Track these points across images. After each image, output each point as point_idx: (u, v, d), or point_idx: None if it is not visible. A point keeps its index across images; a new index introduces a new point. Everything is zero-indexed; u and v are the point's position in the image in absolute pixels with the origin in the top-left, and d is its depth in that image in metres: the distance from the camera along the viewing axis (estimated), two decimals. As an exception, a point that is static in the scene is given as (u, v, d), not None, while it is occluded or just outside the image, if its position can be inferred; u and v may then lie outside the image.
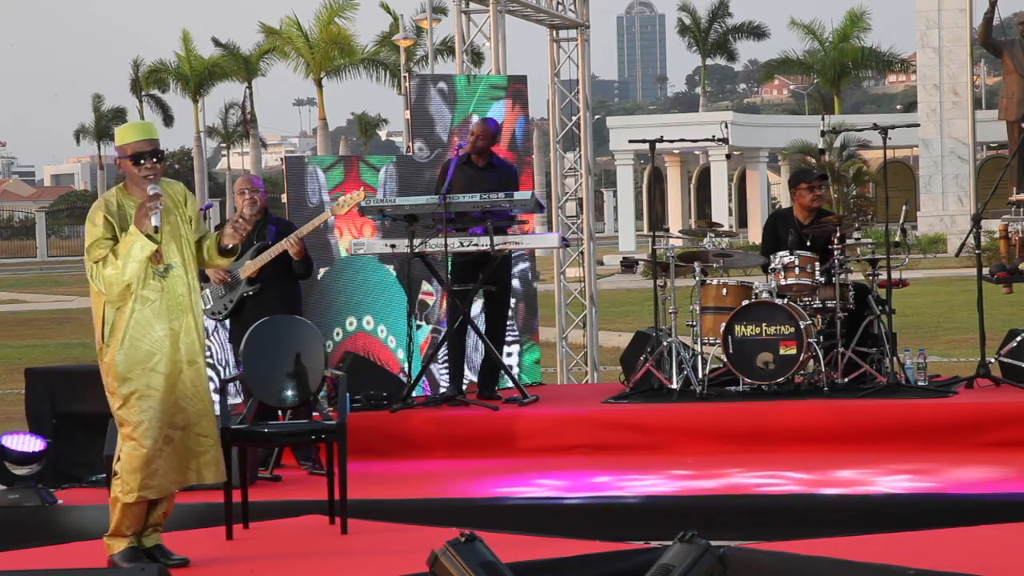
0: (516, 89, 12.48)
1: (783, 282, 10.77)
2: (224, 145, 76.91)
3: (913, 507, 8.32)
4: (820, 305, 10.75)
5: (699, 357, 10.80)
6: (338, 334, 11.31)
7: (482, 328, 11.20)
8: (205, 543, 7.66)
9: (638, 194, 59.90)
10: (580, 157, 14.22)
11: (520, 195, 10.66)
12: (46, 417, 9.73)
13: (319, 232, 10.89)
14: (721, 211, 47.83)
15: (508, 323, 11.58)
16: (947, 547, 7.13)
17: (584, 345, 14.15)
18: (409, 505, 8.74)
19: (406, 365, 11.09)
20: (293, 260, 9.92)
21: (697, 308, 10.89)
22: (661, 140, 11.40)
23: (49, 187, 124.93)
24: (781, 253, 10.91)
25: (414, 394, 10.84)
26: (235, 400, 9.55)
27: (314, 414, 9.14)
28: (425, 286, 11.75)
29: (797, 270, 10.76)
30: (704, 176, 54.05)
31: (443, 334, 11.32)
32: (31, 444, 9.00)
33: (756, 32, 61.08)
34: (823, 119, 14.12)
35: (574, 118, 14.17)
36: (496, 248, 10.72)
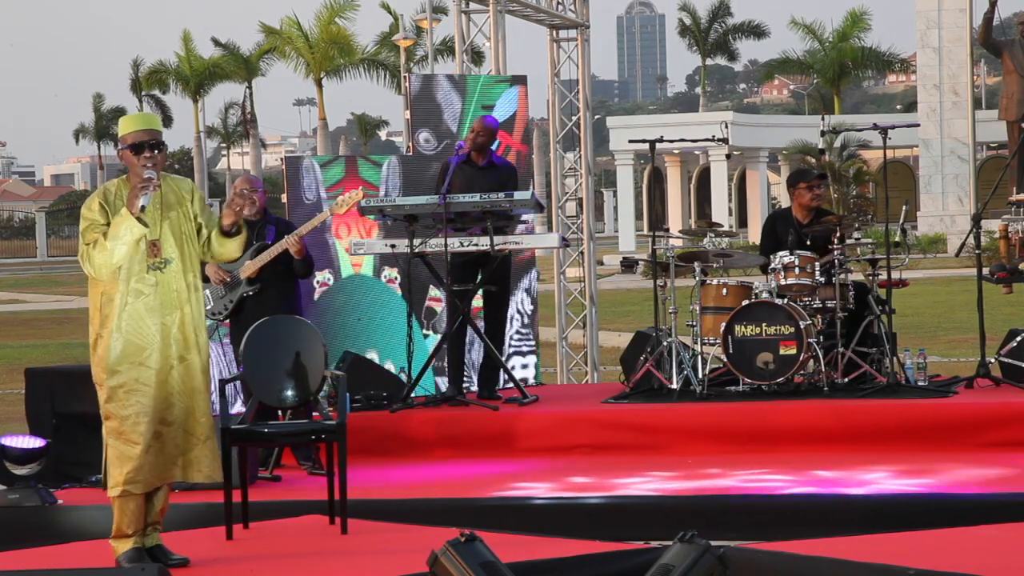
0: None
1: (783, 282, 10.77)
2: (224, 145, 76.91)
3: (913, 507, 8.31)
4: (820, 305, 10.75)
5: (699, 357, 10.79)
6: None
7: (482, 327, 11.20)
8: (205, 543, 7.66)
9: (638, 194, 59.90)
10: (580, 157, 14.23)
11: (520, 195, 10.66)
12: (46, 417, 9.73)
13: (317, 232, 10.89)
14: (721, 211, 47.82)
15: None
16: (947, 547, 7.13)
17: (584, 345, 14.15)
18: (409, 505, 8.74)
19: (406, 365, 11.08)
20: (294, 259, 9.92)
21: (697, 308, 10.89)
22: (661, 140, 11.40)
23: (49, 187, 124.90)
24: (781, 253, 10.91)
25: (414, 394, 10.84)
26: (239, 409, 9.54)
27: (314, 414, 9.14)
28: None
29: (797, 270, 10.76)
30: (704, 176, 54.05)
31: (442, 334, 11.32)
32: (30, 443, 9.00)
33: (756, 32, 61.08)
34: (823, 119, 14.12)
35: (574, 118, 14.17)
36: (496, 248, 10.72)
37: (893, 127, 11.21)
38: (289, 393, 8.13)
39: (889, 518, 8.03)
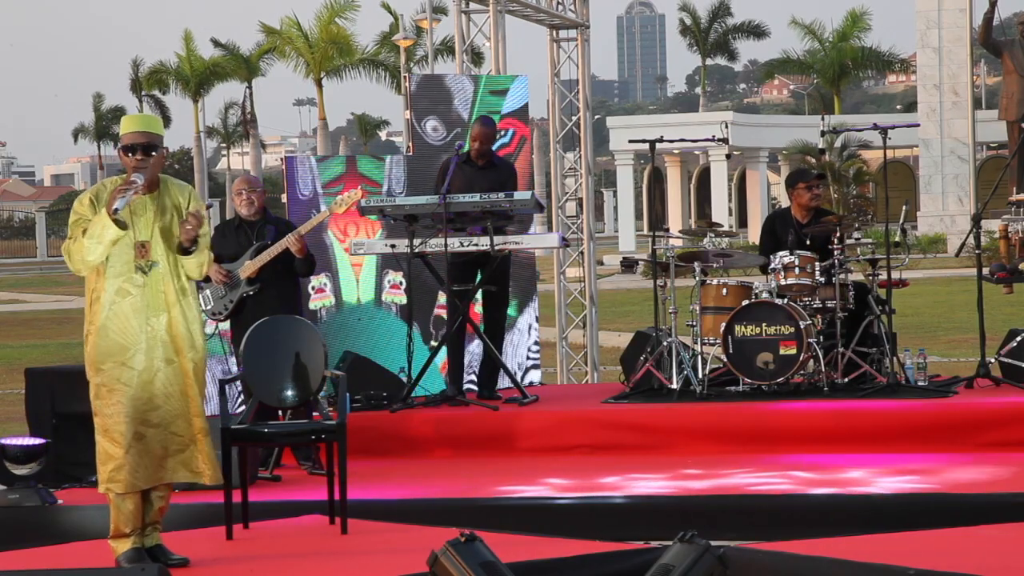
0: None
1: (783, 282, 10.77)
2: (224, 145, 76.86)
3: (913, 507, 8.31)
4: (820, 305, 10.74)
5: (699, 357, 10.79)
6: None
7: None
8: (205, 543, 7.66)
9: (638, 194, 59.90)
10: (580, 157, 14.22)
11: (520, 195, 10.66)
12: (46, 417, 9.73)
13: (315, 232, 10.88)
14: (721, 211, 47.82)
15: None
16: (947, 547, 7.13)
17: (584, 345, 14.15)
18: (409, 505, 8.74)
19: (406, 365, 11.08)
20: (295, 259, 9.92)
21: (697, 308, 10.89)
22: (661, 140, 11.40)
23: (49, 187, 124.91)
24: (781, 253, 10.91)
25: (414, 394, 10.84)
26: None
27: (314, 414, 9.14)
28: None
29: (797, 270, 10.76)
30: (704, 176, 54.05)
31: (442, 334, 11.32)
32: (30, 443, 9.01)
33: (756, 32, 61.08)
34: (823, 119, 14.10)
35: (574, 118, 14.17)
36: (496, 248, 10.72)
37: (893, 127, 11.21)
38: (289, 393, 8.13)
39: (889, 518, 8.04)
